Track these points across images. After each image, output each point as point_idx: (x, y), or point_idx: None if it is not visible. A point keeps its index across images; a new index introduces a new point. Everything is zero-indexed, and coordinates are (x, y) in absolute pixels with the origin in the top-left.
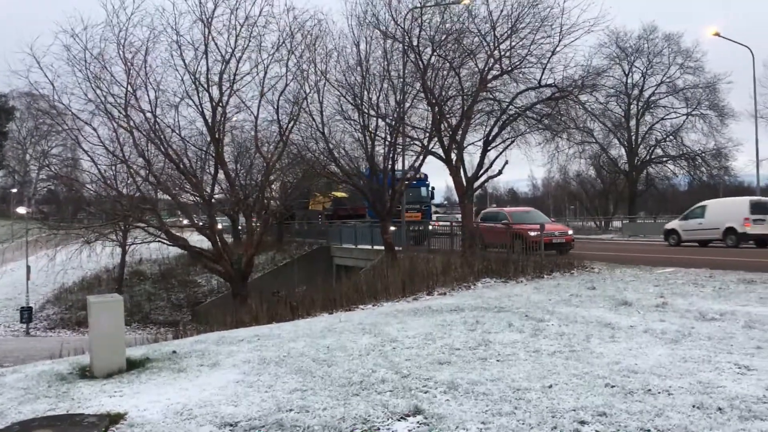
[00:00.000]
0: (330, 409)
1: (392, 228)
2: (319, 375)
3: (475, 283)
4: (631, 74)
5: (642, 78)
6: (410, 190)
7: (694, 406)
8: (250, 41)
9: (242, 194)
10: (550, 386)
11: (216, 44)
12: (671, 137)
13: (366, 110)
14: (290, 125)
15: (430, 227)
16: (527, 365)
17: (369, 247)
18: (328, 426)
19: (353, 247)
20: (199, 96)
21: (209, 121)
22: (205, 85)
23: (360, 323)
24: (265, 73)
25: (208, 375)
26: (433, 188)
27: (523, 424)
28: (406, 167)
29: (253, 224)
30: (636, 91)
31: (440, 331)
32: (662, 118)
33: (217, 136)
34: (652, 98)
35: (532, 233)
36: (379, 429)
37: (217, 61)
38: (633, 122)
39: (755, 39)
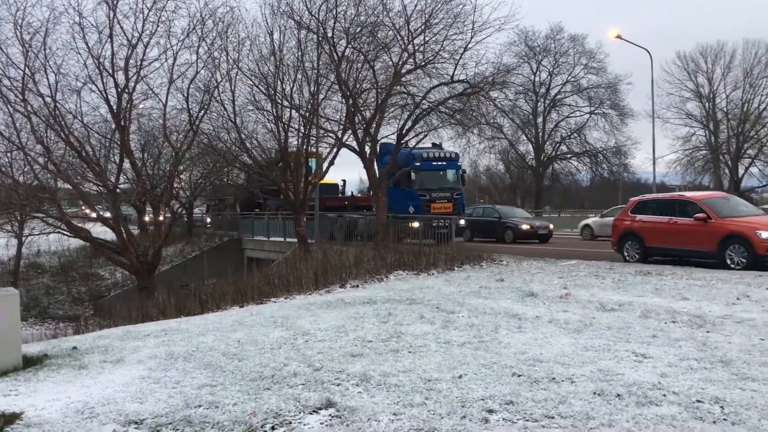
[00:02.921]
0: (240, 404)
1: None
2: (229, 369)
3: (388, 275)
4: (538, 73)
5: (549, 77)
6: (435, 173)
7: (595, 393)
8: (158, 26)
9: (149, 184)
10: (460, 376)
11: (122, 27)
12: (575, 135)
13: (279, 101)
14: (201, 114)
15: (462, 222)
16: (438, 356)
17: (282, 239)
18: (239, 421)
19: (265, 239)
20: (103, 81)
21: (114, 107)
22: (110, 70)
23: (272, 316)
24: (175, 59)
25: (111, 372)
26: (464, 172)
27: (433, 414)
28: (321, 159)
29: (163, 216)
30: (543, 89)
31: (353, 323)
32: (567, 116)
33: (122, 123)
34: (558, 96)
35: (766, 233)
36: (290, 423)
37: (123, 45)
38: (540, 119)
39: (654, 43)
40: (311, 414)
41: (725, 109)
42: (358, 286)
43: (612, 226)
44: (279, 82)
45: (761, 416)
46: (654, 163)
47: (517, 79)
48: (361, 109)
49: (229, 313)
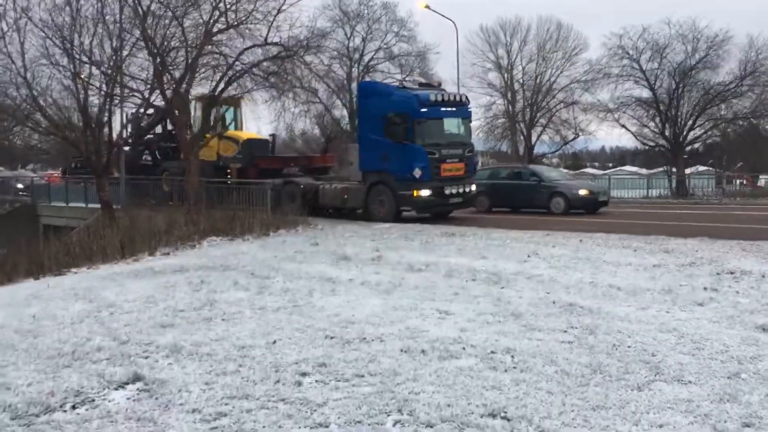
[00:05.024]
0: (36, 384)
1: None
2: (22, 348)
3: (201, 241)
4: (352, 38)
5: (362, 43)
6: (446, 122)
7: (402, 351)
8: None
9: None
10: (274, 342)
11: None
12: None
13: (78, 56)
14: None
15: (473, 188)
16: (252, 323)
17: (83, 205)
18: (35, 402)
19: (64, 205)
20: None
21: None
22: None
23: (72, 288)
24: None
25: None
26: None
27: (247, 381)
28: (125, 120)
29: None
30: (357, 55)
31: (163, 292)
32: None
33: None
34: (372, 63)
35: None
36: (93, 400)
37: None
38: (354, 85)
39: (460, 14)
40: (117, 390)
41: (521, 81)
42: (168, 254)
43: None
44: (77, 35)
45: (545, 363)
46: None
47: (332, 44)
48: (170, 68)
49: (22, 285)
